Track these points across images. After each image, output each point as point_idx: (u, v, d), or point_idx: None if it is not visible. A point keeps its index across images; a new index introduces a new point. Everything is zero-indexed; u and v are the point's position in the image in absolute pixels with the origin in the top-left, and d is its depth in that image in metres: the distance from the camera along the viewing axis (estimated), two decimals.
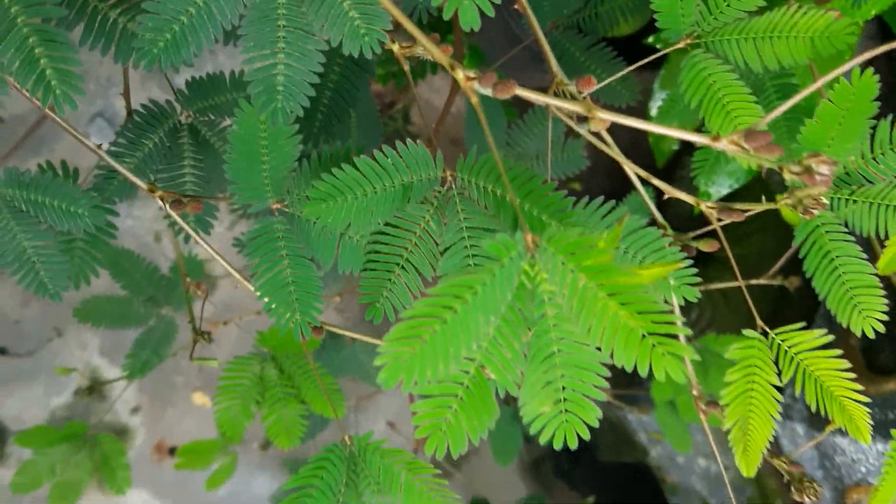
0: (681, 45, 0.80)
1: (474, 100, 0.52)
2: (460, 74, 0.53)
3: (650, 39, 1.51)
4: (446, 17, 0.53)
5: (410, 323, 0.45)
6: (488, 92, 0.53)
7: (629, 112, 0.65)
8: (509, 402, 1.67)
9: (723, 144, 0.50)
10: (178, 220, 0.70)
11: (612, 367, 0.50)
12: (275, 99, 0.60)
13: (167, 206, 0.70)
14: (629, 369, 0.48)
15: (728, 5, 0.78)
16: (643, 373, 0.48)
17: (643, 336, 0.47)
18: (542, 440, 0.52)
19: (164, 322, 1.48)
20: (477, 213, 0.71)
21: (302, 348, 0.94)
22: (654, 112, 1.55)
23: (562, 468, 2.05)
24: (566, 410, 0.51)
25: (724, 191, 1.33)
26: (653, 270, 0.66)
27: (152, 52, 0.57)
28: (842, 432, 1.38)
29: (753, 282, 1.26)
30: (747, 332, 0.75)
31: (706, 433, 0.95)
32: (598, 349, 0.49)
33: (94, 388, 1.80)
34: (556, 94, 0.79)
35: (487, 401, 0.50)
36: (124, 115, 0.83)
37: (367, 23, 0.57)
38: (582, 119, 0.77)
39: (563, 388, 0.51)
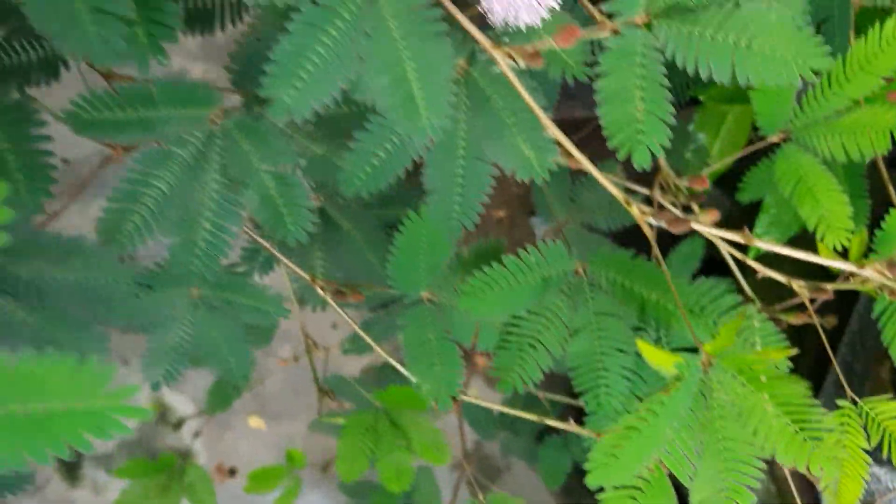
0: (775, 139, 0.89)
1: (648, 232, 0.61)
2: (636, 211, 0.62)
3: (695, 91, 1.60)
4: (622, 155, 0.62)
5: (615, 436, 0.55)
6: (662, 224, 0.63)
7: None
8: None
9: (868, 272, 0.59)
10: (337, 308, 0.79)
11: None
12: (451, 217, 0.69)
13: (328, 295, 0.79)
14: (789, 467, 0.58)
15: (819, 105, 0.87)
16: (801, 469, 0.57)
17: (803, 440, 0.57)
18: None
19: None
20: (605, 301, 0.80)
21: (415, 405, 1.03)
22: (687, 155, 1.65)
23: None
24: (728, 498, 0.60)
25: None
26: (769, 355, 0.75)
27: (354, 182, 0.66)
28: (878, 462, 1.48)
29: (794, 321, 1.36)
30: (841, 402, 0.84)
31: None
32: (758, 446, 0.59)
33: (178, 424, 1.90)
34: (661, 188, 0.88)
35: (666, 491, 0.59)
36: None
37: (538, 154, 0.66)
38: (687, 208, 0.86)
39: (727, 479, 0.60)
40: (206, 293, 0.73)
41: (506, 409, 0.97)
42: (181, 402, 2.03)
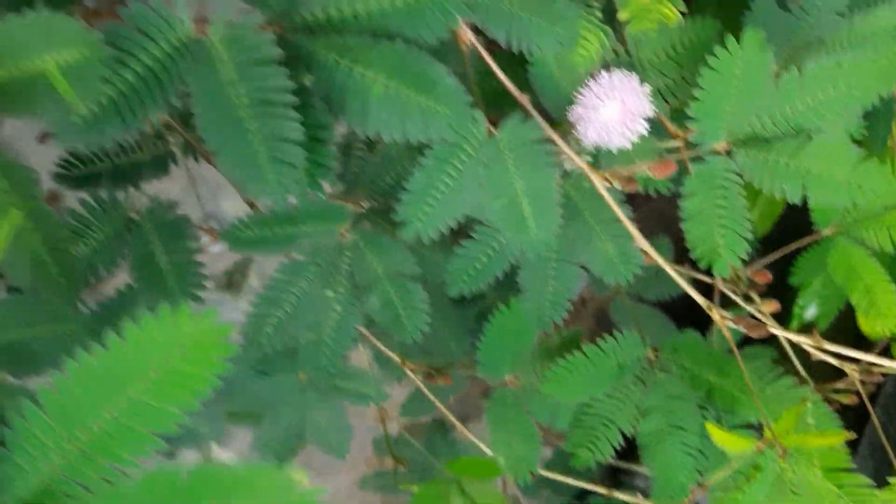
0: (828, 232, 0.96)
1: (727, 334, 0.68)
2: (717, 316, 0.69)
3: None
4: (703, 265, 0.69)
5: None
6: (741, 328, 0.70)
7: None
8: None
9: None
10: (423, 388, 0.86)
11: None
12: (543, 314, 0.76)
13: (418, 377, 0.86)
14: None
15: (870, 201, 0.94)
16: None
17: None
18: None
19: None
20: (674, 384, 0.87)
21: (485, 475, 1.10)
22: None
23: None
24: None
25: (812, 314, 1.47)
26: (828, 439, 0.82)
27: (459, 283, 0.73)
28: None
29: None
30: (892, 479, 0.90)
31: None
32: None
33: None
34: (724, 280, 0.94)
35: None
36: (230, 217, 0.98)
37: (625, 261, 0.74)
38: (747, 297, 0.92)
39: None
40: (314, 377, 0.80)
41: (549, 474, 1.03)
42: (229, 460, 2.09)
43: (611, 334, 0.80)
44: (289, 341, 0.69)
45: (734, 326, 0.71)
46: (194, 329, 0.43)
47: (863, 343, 1.14)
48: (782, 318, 1.21)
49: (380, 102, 0.57)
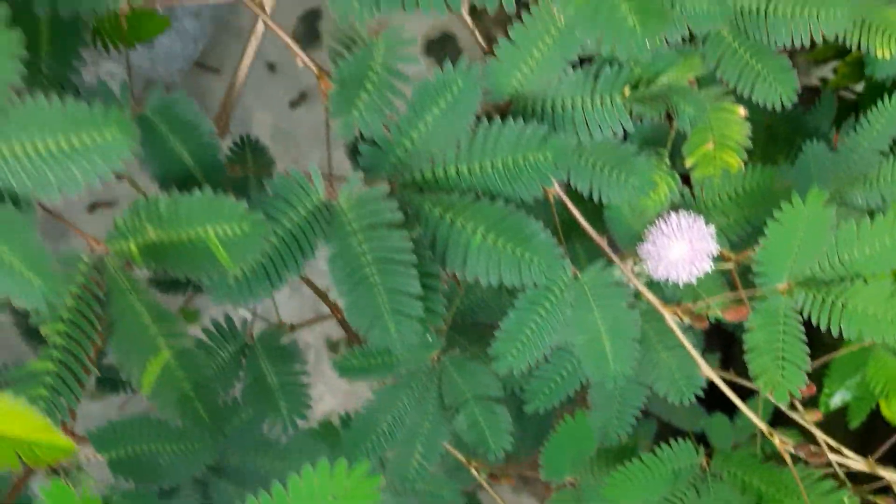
0: (866, 343, 1.02)
1: (789, 461, 0.74)
2: (777, 441, 0.75)
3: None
4: (764, 393, 0.75)
5: None
6: (800, 454, 0.75)
7: None
8: None
9: None
10: (487, 486, 0.91)
11: None
12: (610, 429, 0.82)
13: (482, 477, 0.92)
14: None
15: None
16: None
17: None
18: None
19: None
20: (725, 490, 0.92)
21: None
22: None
23: None
24: None
25: (837, 402, 1.51)
26: None
27: (535, 401, 0.80)
28: None
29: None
30: None
31: None
32: None
33: None
34: None
35: None
36: None
37: (688, 383, 0.80)
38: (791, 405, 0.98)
39: None
40: (393, 479, 0.86)
41: None
42: None
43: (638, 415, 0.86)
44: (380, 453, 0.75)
45: (793, 451, 0.76)
46: (347, 481, 0.49)
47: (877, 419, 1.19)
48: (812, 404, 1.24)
49: (479, 252, 0.64)
